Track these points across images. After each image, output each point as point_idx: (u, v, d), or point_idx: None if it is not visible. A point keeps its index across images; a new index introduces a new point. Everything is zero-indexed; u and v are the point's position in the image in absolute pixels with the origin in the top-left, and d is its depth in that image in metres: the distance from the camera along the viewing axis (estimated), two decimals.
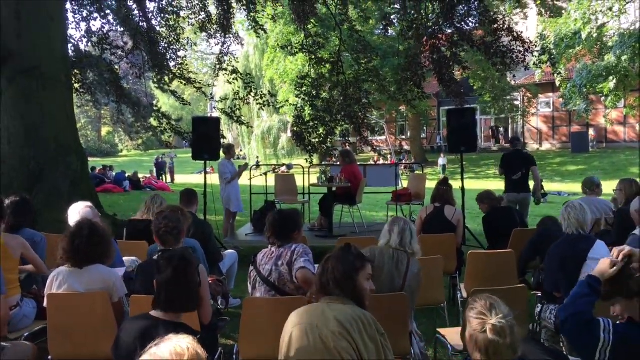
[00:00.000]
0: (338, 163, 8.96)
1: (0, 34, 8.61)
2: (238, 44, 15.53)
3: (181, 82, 14.89)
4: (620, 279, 2.60)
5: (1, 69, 8.55)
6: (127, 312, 3.60)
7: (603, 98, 20.37)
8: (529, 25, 28.16)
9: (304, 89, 12.63)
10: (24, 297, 4.09)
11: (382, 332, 2.71)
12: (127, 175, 22.35)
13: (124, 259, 4.62)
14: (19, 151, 8.46)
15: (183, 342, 1.65)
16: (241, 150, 39.80)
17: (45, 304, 3.53)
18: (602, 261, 2.72)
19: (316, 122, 12.46)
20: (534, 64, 13.31)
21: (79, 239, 3.47)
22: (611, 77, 18.78)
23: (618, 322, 2.57)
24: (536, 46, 13.72)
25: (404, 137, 38.96)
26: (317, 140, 12.46)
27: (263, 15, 14.68)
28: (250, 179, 9.61)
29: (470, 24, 11.67)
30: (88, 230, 3.50)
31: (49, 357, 3.57)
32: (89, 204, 4.65)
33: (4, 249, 4.00)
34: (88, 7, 13.61)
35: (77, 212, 4.47)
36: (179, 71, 14.30)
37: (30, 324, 4.06)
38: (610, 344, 2.45)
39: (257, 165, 19.53)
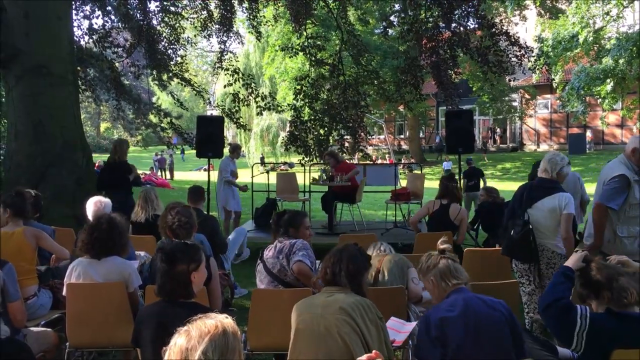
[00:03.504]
0: (330, 166, 9.06)
1: (8, 33, 8.78)
2: (239, 42, 15.66)
3: (180, 83, 15.04)
4: (589, 281, 2.86)
5: (9, 67, 8.70)
6: (142, 303, 3.79)
7: (600, 100, 20.54)
8: (528, 26, 28.36)
9: (303, 89, 12.75)
10: (40, 287, 4.28)
11: (381, 316, 2.93)
12: None
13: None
14: (26, 148, 8.59)
15: (225, 318, 1.76)
16: (241, 149, 39.84)
17: (64, 293, 3.72)
18: (574, 255, 3.03)
19: (315, 124, 12.58)
20: (530, 68, 13.50)
21: (98, 231, 3.66)
22: (608, 80, 18.94)
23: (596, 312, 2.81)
24: (532, 51, 13.91)
25: (402, 136, 39.15)
26: (313, 141, 12.56)
27: (263, 17, 14.78)
28: (252, 176, 9.78)
29: (469, 26, 11.84)
30: (106, 223, 3.70)
31: (67, 344, 3.76)
32: (107, 199, 4.86)
33: (21, 240, 4.19)
34: (90, 5, 13.76)
35: (96, 204, 4.70)
36: (178, 71, 14.39)
37: (46, 313, 4.25)
38: (587, 327, 2.67)
39: (262, 163, 19.67)
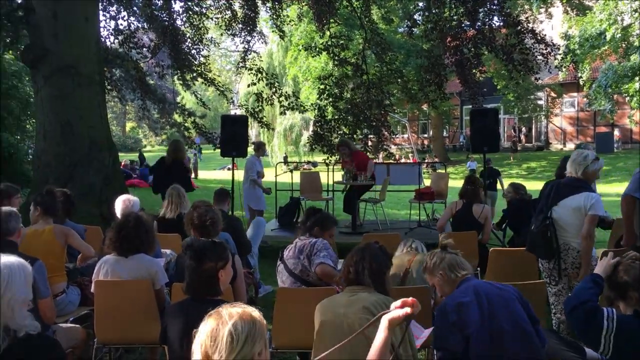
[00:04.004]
0: (345, 156, 8.98)
1: (37, 34, 8.95)
2: (262, 42, 15.72)
3: (204, 83, 15.15)
4: (615, 282, 2.83)
5: (38, 68, 8.86)
6: (168, 300, 3.84)
7: (628, 98, 20.19)
8: (554, 23, 27.97)
9: (327, 89, 12.74)
10: (69, 284, 4.36)
11: None
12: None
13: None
14: (54, 148, 8.74)
15: (253, 309, 1.80)
16: (266, 147, 39.99)
17: (92, 290, 3.78)
18: (601, 262, 3.00)
19: (338, 123, 12.57)
20: (556, 66, 13.31)
21: (125, 229, 3.72)
22: (637, 78, 18.63)
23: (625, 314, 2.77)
24: (559, 48, 13.71)
25: (426, 135, 38.93)
26: (338, 139, 12.55)
27: (286, 17, 14.80)
28: (276, 175, 9.81)
29: (494, 24, 11.71)
30: (134, 221, 3.75)
31: (95, 340, 3.83)
32: (136, 198, 4.94)
33: (51, 238, 4.27)
34: (116, 6, 13.95)
35: (124, 202, 4.78)
36: (202, 71, 14.49)
37: (75, 310, 4.33)
38: (614, 330, 2.63)
39: (285, 162, 19.72)
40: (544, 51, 11.19)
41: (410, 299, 2.05)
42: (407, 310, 2.02)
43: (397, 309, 2.05)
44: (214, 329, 1.71)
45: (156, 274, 3.73)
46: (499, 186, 12.07)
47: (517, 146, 32.73)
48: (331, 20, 13.34)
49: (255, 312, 1.78)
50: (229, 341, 1.68)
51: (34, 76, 9.24)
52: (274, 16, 13.77)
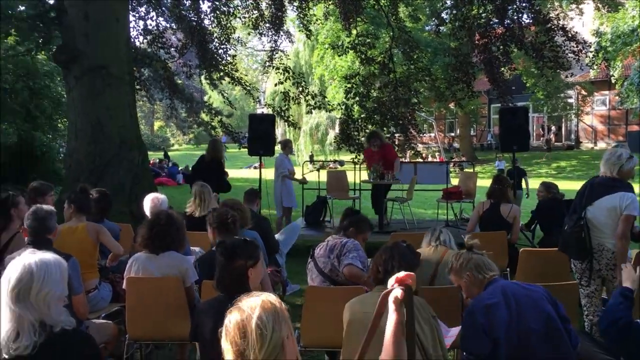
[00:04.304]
0: (374, 147, 8.92)
1: (69, 34, 9.11)
2: (289, 41, 15.75)
3: (230, 83, 15.24)
4: None
5: (69, 68, 9.02)
6: (197, 298, 3.87)
7: None
8: (585, 20, 27.46)
9: (353, 88, 12.71)
10: (101, 281, 4.43)
11: (434, 314, 2.91)
12: (179, 169, 22.99)
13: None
14: (85, 147, 8.89)
15: (269, 295, 1.83)
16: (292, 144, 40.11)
17: (124, 286, 3.84)
18: (629, 271, 2.99)
19: (365, 122, 12.54)
20: (587, 64, 13.06)
21: (157, 227, 3.76)
22: None
23: None
24: (590, 46, 13.45)
25: (453, 134, 38.59)
26: (365, 139, 12.53)
27: (313, 16, 14.80)
28: (303, 174, 9.83)
29: (524, 22, 11.55)
30: (165, 219, 3.80)
31: (126, 336, 3.88)
32: (164, 196, 5.00)
33: (84, 235, 4.35)
34: (145, 6, 14.12)
35: (153, 200, 4.85)
36: (229, 70, 14.58)
37: (107, 306, 4.40)
38: None
39: (312, 161, 19.74)
40: (575, 49, 11.00)
41: (403, 274, 2.05)
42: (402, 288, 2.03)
43: (395, 288, 2.04)
44: (241, 325, 1.72)
45: (186, 271, 3.77)
46: (523, 185, 11.89)
47: (550, 145, 32.24)
48: (358, 19, 13.30)
49: (272, 297, 1.81)
50: (258, 334, 1.70)
51: (66, 76, 9.41)
52: (301, 15, 13.79)
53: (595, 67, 16.63)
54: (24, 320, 2.10)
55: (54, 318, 2.17)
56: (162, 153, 26.40)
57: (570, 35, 10.97)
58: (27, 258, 2.18)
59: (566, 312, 2.90)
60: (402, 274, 2.05)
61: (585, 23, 26.66)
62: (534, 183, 11.48)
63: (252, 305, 1.76)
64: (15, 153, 14.91)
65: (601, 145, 32.72)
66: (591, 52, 13.24)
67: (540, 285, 3.02)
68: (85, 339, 2.31)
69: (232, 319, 1.76)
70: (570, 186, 15.03)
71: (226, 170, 8.40)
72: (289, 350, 1.76)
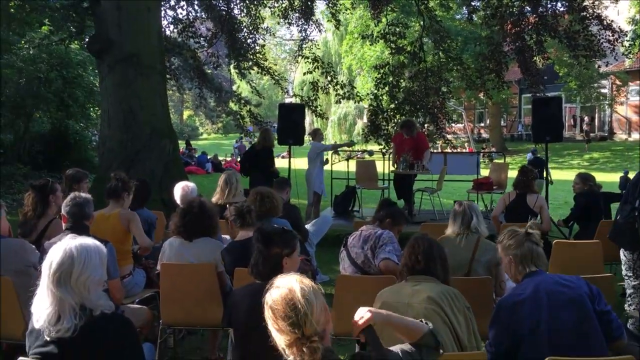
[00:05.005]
0: (406, 135, 8.82)
1: (102, 25, 9.24)
2: (318, 30, 15.71)
3: (259, 72, 15.29)
4: None
5: (103, 58, 9.16)
6: (229, 284, 3.91)
7: None
8: (620, 8, 26.75)
9: (383, 78, 12.62)
10: (135, 267, 4.51)
11: (468, 305, 2.89)
12: (208, 157, 23.21)
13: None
14: (118, 135, 9.04)
15: (306, 278, 1.88)
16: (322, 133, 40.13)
17: (157, 272, 3.90)
18: None
19: (395, 112, 12.46)
20: (623, 53, 12.74)
21: (190, 214, 3.82)
22: None
23: None
24: (626, 34, 13.11)
25: (482, 124, 38.12)
26: (394, 129, 12.44)
27: (342, 5, 14.72)
28: (332, 164, 9.83)
29: (557, 10, 11.31)
30: (198, 207, 3.85)
31: (160, 321, 3.95)
32: (193, 184, 5.05)
33: (116, 222, 4.42)
34: None
35: (183, 189, 4.90)
36: (258, 60, 14.62)
37: (141, 291, 4.48)
38: None
39: (337, 151, 19.68)
40: (611, 38, 10.74)
41: (358, 316, 2.11)
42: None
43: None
44: (288, 298, 1.77)
45: (219, 257, 3.82)
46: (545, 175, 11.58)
47: (589, 136, 31.60)
48: (387, 8, 13.18)
49: (296, 275, 1.87)
50: (307, 300, 1.76)
51: (99, 66, 9.56)
52: (330, 4, 13.73)
53: (631, 56, 16.13)
54: (64, 304, 2.15)
55: (94, 302, 2.22)
56: (184, 142, 26.47)
57: (606, 23, 10.71)
58: (68, 243, 2.23)
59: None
60: (358, 315, 2.11)
61: (620, 11, 25.99)
62: (565, 175, 11.24)
63: (289, 280, 1.82)
64: (49, 141, 15.24)
65: (635, 136, 31.94)
66: (627, 41, 12.87)
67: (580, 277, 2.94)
68: (124, 322, 2.36)
69: (275, 296, 1.80)
70: (604, 178, 14.71)
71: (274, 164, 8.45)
72: (330, 317, 1.85)
